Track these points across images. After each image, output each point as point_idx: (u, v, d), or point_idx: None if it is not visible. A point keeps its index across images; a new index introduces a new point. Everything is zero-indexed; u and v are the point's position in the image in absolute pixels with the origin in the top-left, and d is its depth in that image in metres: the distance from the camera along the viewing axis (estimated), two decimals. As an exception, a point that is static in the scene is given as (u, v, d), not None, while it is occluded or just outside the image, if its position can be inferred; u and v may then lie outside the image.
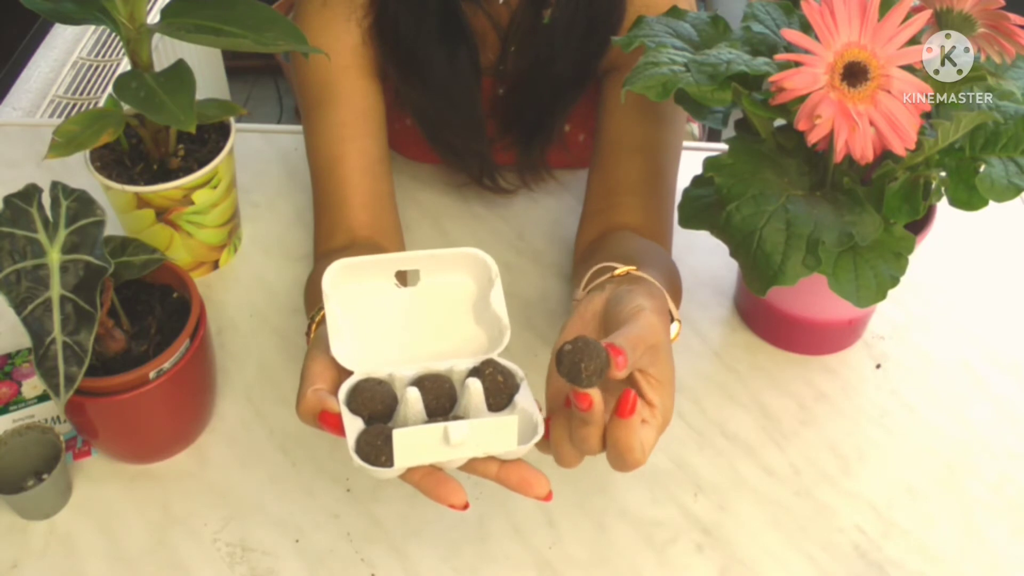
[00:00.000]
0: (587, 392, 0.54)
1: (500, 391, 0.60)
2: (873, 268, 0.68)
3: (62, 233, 0.68)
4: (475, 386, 0.59)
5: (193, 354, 0.73)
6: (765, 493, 0.77)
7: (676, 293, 0.74)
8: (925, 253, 0.76)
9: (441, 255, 0.63)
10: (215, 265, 0.95)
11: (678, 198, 0.75)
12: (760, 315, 0.88)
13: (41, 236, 0.68)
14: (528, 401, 0.60)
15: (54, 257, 0.67)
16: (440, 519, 0.75)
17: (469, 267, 0.64)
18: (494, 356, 0.62)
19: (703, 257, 0.94)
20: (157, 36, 0.79)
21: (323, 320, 0.64)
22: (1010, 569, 0.73)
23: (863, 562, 0.73)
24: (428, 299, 0.64)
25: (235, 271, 0.95)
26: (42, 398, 0.79)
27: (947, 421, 0.83)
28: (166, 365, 0.72)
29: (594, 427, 0.56)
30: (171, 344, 0.72)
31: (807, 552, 0.74)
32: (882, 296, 0.67)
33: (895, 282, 0.68)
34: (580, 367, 0.52)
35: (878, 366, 0.87)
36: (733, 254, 0.68)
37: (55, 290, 0.66)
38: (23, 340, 0.85)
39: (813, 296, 0.81)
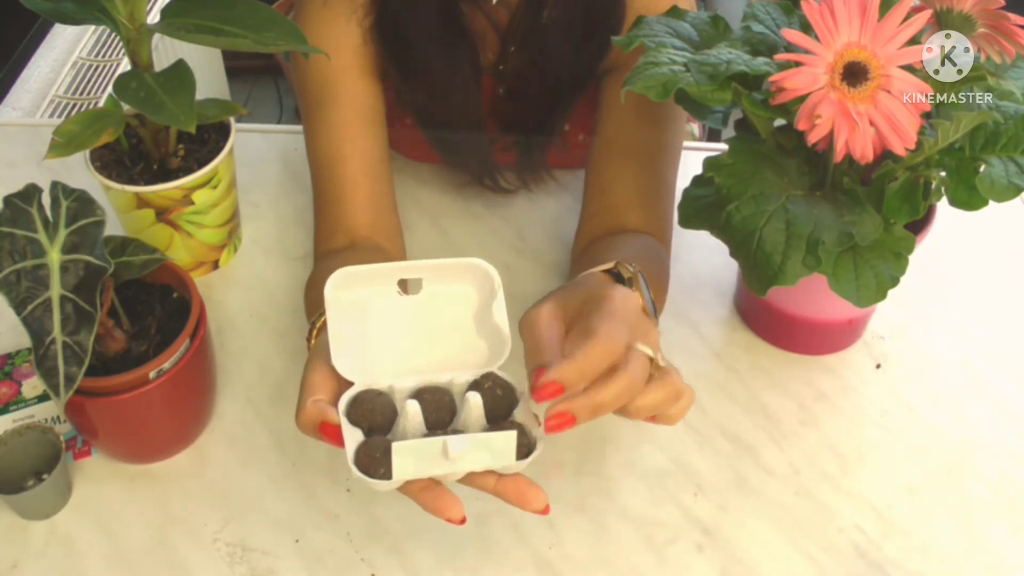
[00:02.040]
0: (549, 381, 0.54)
1: (499, 405, 0.60)
2: (873, 268, 0.68)
3: (62, 233, 0.68)
4: (475, 400, 0.59)
5: (193, 354, 0.73)
6: (765, 493, 0.77)
7: (659, 294, 0.75)
8: (925, 253, 0.76)
9: (444, 265, 0.63)
10: (215, 265, 0.95)
11: (678, 198, 0.75)
12: (760, 315, 0.88)
13: (41, 236, 0.68)
14: (527, 416, 0.60)
15: (54, 257, 0.67)
16: (440, 520, 0.75)
17: (472, 277, 0.63)
18: (494, 369, 0.62)
19: (703, 257, 0.94)
20: (157, 36, 0.79)
21: (324, 326, 0.64)
22: (1010, 569, 0.73)
23: (863, 562, 0.73)
24: (430, 309, 0.64)
25: (235, 271, 0.95)
26: (42, 398, 0.79)
27: (947, 421, 0.83)
28: (166, 365, 0.72)
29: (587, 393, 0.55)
30: (171, 344, 0.72)
31: (807, 552, 0.74)
32: (882, 296, 0.67)
33: (895, 282, 0.68)
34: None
35: (878, 366, 0.87)
36: (733, 254, 0.68)
37: (55, 290, 0.66)
38: (23, 340, 0.85)
39: (813, 296, 0.81)
